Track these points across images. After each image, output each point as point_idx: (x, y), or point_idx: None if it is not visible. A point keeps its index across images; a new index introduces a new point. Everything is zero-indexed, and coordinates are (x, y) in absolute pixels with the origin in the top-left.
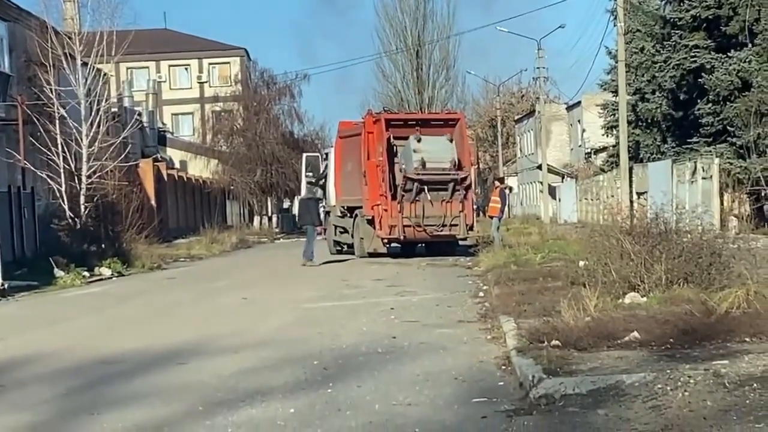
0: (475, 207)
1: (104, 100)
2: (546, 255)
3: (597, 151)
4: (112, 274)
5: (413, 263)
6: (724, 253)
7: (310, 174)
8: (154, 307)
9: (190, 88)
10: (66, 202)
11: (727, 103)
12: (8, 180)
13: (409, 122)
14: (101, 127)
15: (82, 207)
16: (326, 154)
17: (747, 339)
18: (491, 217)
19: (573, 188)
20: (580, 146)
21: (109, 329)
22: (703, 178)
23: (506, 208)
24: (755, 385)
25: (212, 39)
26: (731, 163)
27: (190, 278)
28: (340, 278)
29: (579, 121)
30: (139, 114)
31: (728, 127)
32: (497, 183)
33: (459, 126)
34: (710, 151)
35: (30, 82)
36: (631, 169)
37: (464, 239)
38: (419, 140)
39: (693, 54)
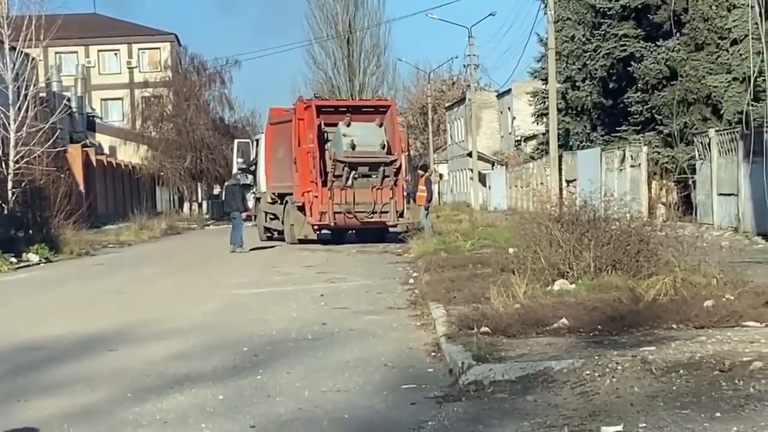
0: (405, 194)
1: (32, 85)
2: (476, 242)
3: (527, 139)
4: (39, 260)
5: (343, 250)
6: (651, 240)
7: (241, 160)
8: (83, 293)
9: (120, 73)
10: None
11: (655, 91)
12: None
13: (340, 109)
14: (29, 112)
15: (10, 192)
16: (257, 140)
17: (674, 326)
18: (420, 205)
19: (503, 176)
20: (510, 134)
21: (37, 315)
22: (632, 166)
23: (432, 196)
24: (682, 371)
25: (142, 24)
26: (659, 152)
27: (118, 264)
28: (270, 265)
29: (509, 108)
30: (68, 99)
31: (656, 116)
32: (420, 172)
33: (390, 113)
34: (639, 140)
35: None
36: (560, 157)
37: (394, 226)
38: (349, 125)
39: (623, 43)
